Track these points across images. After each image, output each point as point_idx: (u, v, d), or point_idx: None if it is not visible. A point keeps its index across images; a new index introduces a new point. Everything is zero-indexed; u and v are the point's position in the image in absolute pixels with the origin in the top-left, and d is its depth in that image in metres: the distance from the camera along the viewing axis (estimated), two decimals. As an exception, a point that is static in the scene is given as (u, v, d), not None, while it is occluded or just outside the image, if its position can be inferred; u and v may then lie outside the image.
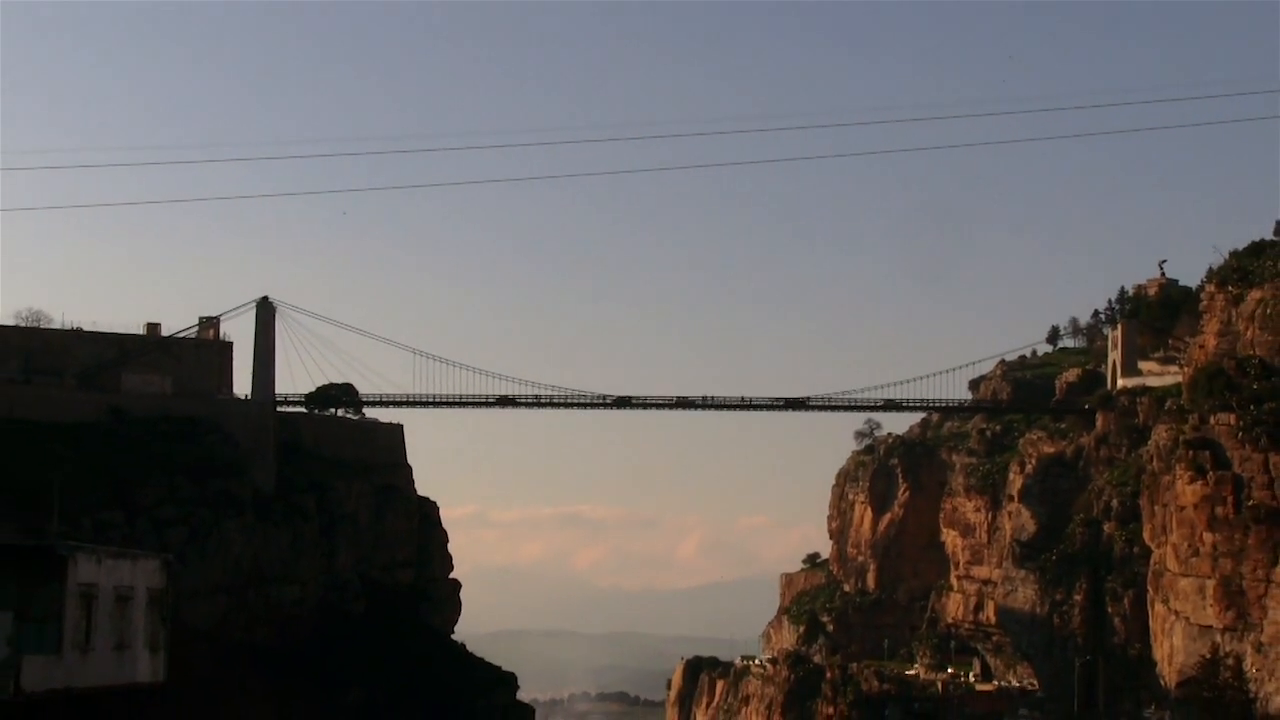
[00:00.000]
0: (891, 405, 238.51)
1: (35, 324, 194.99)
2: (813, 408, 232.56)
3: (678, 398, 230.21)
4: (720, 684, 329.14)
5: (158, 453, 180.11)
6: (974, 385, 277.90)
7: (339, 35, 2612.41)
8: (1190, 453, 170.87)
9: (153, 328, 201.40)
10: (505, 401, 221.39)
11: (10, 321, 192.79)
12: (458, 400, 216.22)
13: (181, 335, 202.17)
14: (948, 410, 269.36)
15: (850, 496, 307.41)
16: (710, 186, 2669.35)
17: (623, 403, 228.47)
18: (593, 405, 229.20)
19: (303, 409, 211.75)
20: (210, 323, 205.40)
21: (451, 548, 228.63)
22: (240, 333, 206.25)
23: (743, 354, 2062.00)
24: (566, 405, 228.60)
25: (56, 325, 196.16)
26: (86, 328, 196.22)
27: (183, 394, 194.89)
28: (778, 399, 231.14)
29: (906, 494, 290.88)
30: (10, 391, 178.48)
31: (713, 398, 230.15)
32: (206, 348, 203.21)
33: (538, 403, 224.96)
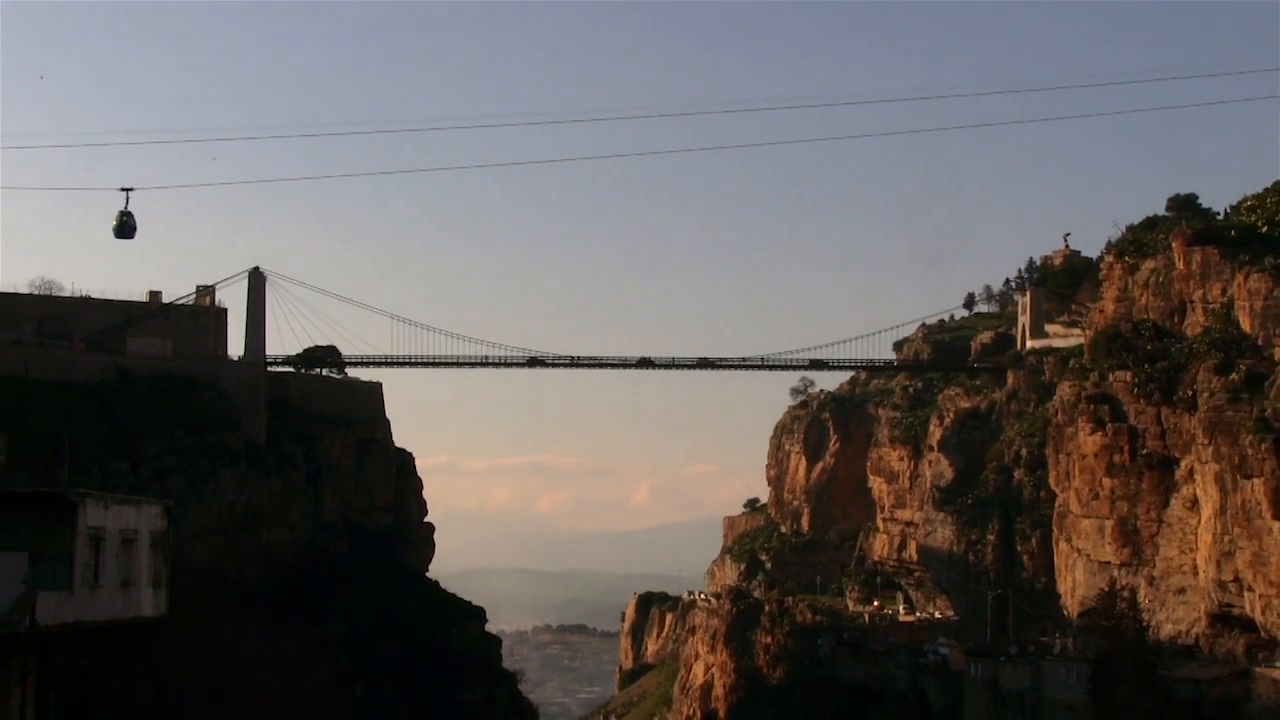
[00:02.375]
0: (823, 365, 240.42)
1: (48, 292, 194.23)
2: (758, 367, 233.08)
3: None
4: (669, 616, 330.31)
5: (159, 408, 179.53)
6: (898, 346, 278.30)
7: (326, 30, 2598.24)
8: (1091, 407, 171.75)
9: (154, 295, 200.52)
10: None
11: (25, 290, 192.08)
12: (432, 360, 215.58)
13: (180, 302, 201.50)
14: (874, 369, 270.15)
15: (786, 447, 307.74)
16: (649, 170, 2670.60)
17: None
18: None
19: (291, 369, 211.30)
20: (206, 291, 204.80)
21: (426, 494, 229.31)
22: (234, 300, 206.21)
23: (689, 319, 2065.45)
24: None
25: (67, 293, 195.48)
26: (94, 295, 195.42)
27: (182, 355, 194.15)
28: (746, 359, 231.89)
29: (837, 445, 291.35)
30: (25, 353, 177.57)
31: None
32: (203, 313, 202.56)
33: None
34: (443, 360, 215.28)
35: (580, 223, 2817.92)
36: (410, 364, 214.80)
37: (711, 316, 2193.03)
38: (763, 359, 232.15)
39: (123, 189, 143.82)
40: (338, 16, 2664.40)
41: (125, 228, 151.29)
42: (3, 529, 55.35)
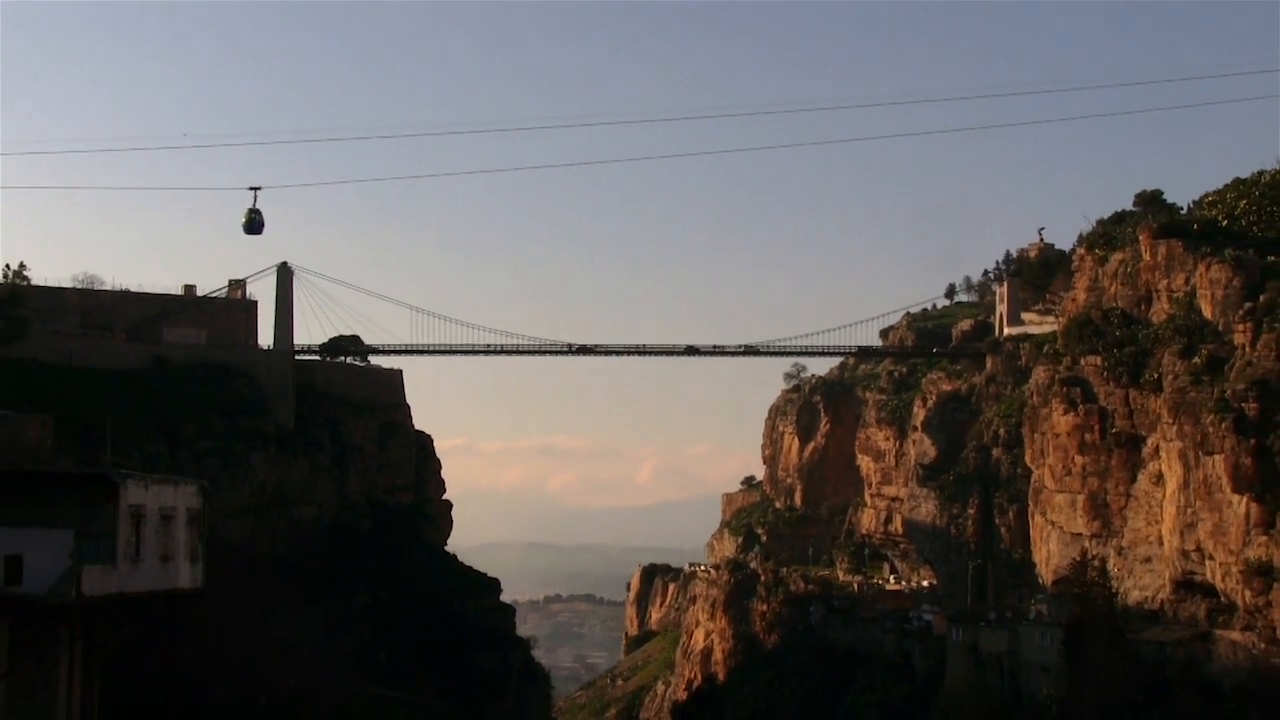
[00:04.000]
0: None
1: (90, 286, 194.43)
2: (755, 354, 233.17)
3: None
4: (671, 586, 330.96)
5: (195, 395, 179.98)
6: (884, 334, 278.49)
7: (349, 35, 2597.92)
8: (1064, 389, 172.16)
9: (189, 289, 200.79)
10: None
11: (69, 284, 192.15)
12: (449, 349, 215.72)
13: (214, 295, 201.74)
14: (862, 354, 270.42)
15: (780, 428, 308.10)
16: (644, 173, 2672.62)
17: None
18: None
19: (317, 357, 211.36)
20: (238, 284, 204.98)
21: (444, 474, 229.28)
22: (263, 293, 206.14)
23: (686, 310, 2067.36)
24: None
25: (108, 287, 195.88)
26: (133, 289, 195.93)
27: (215, 345, 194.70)
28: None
29: (827, 425, 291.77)
30: (70, 344, 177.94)
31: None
32: (235, 306, 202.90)
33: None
34: (458, 348, 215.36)
35: (580, 222, 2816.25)
36: (429, 352, 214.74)
37: (707, 307, 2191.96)
38: (764, 346, 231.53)
39: (251, 188, 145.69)
40: (359, 20, 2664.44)
41: (254, 224, 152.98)
42: (50, 507, 55.91)
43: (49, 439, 62.10)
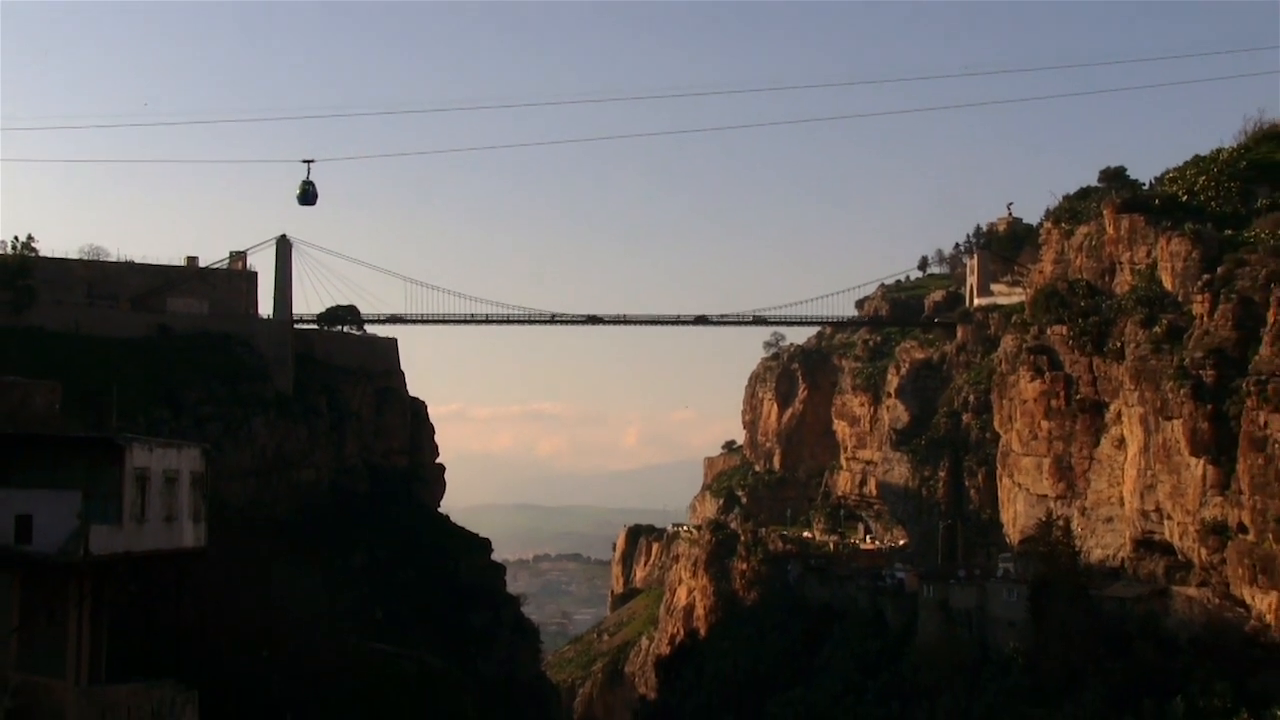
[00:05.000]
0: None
1: (96, 258, 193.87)
2: (764, 323, 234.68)
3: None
4: (655, 546, 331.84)
5: (198, 362, 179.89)
6: (859, 304, 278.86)
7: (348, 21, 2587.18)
8: (1031, 357, 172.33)
9: (192, 260, 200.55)
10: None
11: (76, 255, 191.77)
12: (443, 318, 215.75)
13: (216, 266, 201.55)
14: (839, 324, 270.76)
15: (760, 394, 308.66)
16: (638, 152, 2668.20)
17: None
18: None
19: (315, 326, 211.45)
20: (239, 256, 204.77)
21: (438, 438, 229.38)
22: (263, 264, 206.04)
23: (677, 278, 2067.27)
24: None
25: (113, 258, 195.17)
26: (138, 260, 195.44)
27: (217, 314, 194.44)
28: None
29: (805, 392, 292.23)
30: (76, 313, 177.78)
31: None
32: (236, 276, 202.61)
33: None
34: (451, 318, 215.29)
35: (569, 196, 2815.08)
36: (423, 321, 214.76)
37: (695, 278, 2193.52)
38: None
39: (304, 160, 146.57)
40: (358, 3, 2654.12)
41: (307, 195, 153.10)
42: (58, 470, 55.93)
43: (57, 404, 62.13)
